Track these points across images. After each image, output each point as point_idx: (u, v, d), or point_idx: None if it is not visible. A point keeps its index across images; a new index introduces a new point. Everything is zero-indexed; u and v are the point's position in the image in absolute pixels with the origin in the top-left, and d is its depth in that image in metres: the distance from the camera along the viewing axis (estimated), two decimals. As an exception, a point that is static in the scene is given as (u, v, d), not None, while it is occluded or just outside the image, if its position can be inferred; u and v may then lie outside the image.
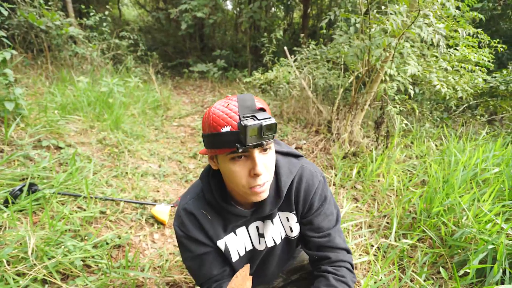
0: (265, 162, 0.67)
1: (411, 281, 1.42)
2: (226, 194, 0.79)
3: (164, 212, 1.85)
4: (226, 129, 0.61)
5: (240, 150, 0.60)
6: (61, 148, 2.25)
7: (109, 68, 4.05)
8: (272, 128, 0.61)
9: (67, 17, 3.98)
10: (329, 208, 0.83)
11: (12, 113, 2.16)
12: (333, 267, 0.80)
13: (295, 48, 4.04)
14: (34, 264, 1.24)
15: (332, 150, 2.63)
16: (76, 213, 1.63)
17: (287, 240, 0.89)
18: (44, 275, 1.23)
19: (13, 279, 1.18)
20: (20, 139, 2.07)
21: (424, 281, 1.38)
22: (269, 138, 0.62)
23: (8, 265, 1.23)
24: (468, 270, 1.30)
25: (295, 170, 0.78)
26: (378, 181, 2.18)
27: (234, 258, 0.85)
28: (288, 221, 0.85)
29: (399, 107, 2.31)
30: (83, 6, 4.12)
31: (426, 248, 1.56)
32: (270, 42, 4.45)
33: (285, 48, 3.71)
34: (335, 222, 0.84)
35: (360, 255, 1.56)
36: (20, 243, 1.33)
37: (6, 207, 1.49)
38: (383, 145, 2.41)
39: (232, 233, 0.84)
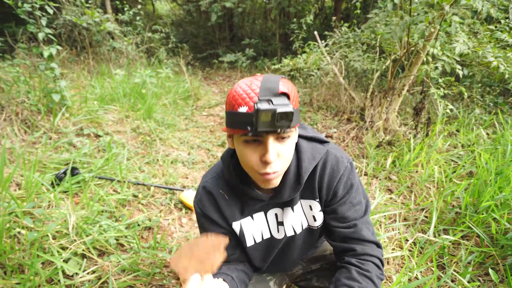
0: (280, 150, 0.62)
1: (453, 281, 1.29)
2: (246, 176, 0.76)
3: (191, 198, 1.89)
4: (243, 109, 0.57)
5: (250, 134, 0.56)
6: (99, 136, 2.41)
7: (143, 61, 4.23)
8: (287, 116, 0.54)
9: (105, 13, 4.22)
10: (356, 197, 0.76)
11: (58, 104, 2.36)
12: (358, 260, 0.74)
13: (326, 33, 3.84)
14: (74, 240, 1.35)
15: (365, 139, 2.47)
16: (112, 195, 1.74)
17: (309, 230, 0.84)
18: (83, 250, 1.34)
19: (57, 251, 1.30)
20: (65, 127, 2.26)
21: (469, 282, 1.24)
22: (283, 127, 0.55)
23: (54, 239, 1.35)
24: (523, 273, 1.13)
25: (319, 156, 0.73)
26: (416, 171, 2.00)
27: (249, 243, 0.82)
28: (311, 209, 0.79)
29: (443, 90, 2.07)
30: (118, 2, 4.34)
31: (471, 247, 1.40)
32: (300, 28, 4.28)
33: (316, 32, 3.54)
34: (363, 212, 0.77)
35: (393, 249, 1.45)
36: (64, 220, 1.46)
37: (53, 187, 1.64)
38: (423, 133, 2.19)
39: (249, 217, 0.81)
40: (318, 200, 0.77)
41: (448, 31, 2.16)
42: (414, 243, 1.47)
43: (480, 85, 2.85)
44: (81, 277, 1.27)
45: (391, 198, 1.82)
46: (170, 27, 5.37)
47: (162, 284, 1.37)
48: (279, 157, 0.62)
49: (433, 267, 1.27)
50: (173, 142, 2.70)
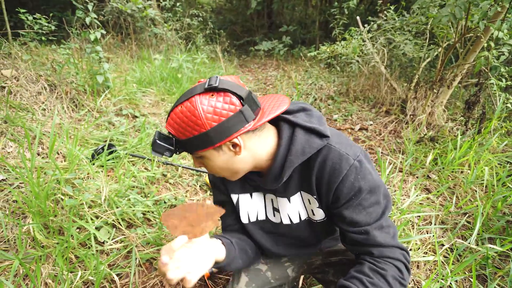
0: (204, 165, 0.70)
1: (494, 296, 1.14)
2: None
3: (216, 181, 1.92)
4: None
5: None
6: (136, 116, 2.55)
7: (182, 47, 4.35)
8: (161, 151, 0.65)
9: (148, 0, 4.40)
10: (370, 199, 0.67)
11: (102, 85, 2.54)
12: (375, 259, 0.67)
13: (369, 18, 3.55)
14: (106, 210, 1.45)
15: (404, 133, 2.27)
16: (142, 172, 1.84)
17: (309, 222, 0.81)
18: (113, 220, 1.44)
19: (91, 219, 1.41)
20: (106, 107, 2.43)
21: (514, 299, 1.08)
22: (168, 155, 0.65)
23: (89, 208, 1.47)
24: None
25: (310, 151, 0.66)
26: (462, 172, 1.78)
27: (243, 219, 0.84)
28: (310, 203, 0.76)
29: (506, 82, 1.79)
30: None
31: (522, 260, 1.21)
32: (342, 14, 4.02)
33: (358, 17, 3.29)
34: (379, 215, 0.68)
35: (426, 253, 1.32)
36: (99, 191, 1.58)
37: (91, 161, 1.78)
38: (474, 130, 1.93)
39: (248, 195, 0.82)
40: (315, 197, 0.72)
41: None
42: (451, 250, 1.32)
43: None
44: (110, 245, 1.37)
45: (428, 198, 1.65)
46: (210, 14, 5.42)
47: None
48: (207, 167, 0.70)
49: (471, 277, 1.13)
50: (203, 126, 2.76)
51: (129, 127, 2.27)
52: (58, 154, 1.87)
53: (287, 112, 0.72)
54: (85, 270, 1.23)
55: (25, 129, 1.48)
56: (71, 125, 2.17)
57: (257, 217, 0.84)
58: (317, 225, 0.80)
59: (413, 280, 1.17)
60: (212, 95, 0.59)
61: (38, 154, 1.81)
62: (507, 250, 1.25)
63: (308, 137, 0.67)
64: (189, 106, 0.59)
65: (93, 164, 1.73)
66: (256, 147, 0.67)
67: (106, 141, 2.03)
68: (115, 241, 1.39)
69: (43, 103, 2.22)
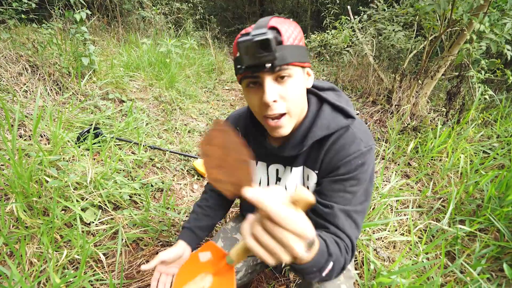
0: (281, 92, 0.59)
1: (462, 272, 1.23)
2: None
3: (204, 166, 1.94)
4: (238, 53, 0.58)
5: (241, 72, 0.57)
6: (123, 101, 2.51)
7: (171, 32, 4.25)
8: (265, 44, 0.51)
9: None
10: (353, 187, 0.67)
11: (87, 68, 2.47)
12: (329, 233, 0.67)
13: (360, 8, 3.57)
14: (92, 191, 1.45)
15: (389, 123, 2.34)
16: (129, 156, 1.83)
17: None
18: (99, 202, 1.44)
19: (76, 200, 1.41)
20: (92, 91, 2.37)
21: (479, 274, 1.17)
22: (267, 58, 0.53)
23: (74, 189, 1.47)
24: (542, 271, 1.04)
25: (335, 128, 0.68)
26: (440, 160, 1.87)
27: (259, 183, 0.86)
28: (308, 179, 0.77)
29: (485, 74, 1.86)
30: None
31: (488, 240, 1.30)
32: (333, 3, 4.01)
33: (349, 7, 3.30)
34: (351, 205, 0.67)
35: (402, 234, 1.40)
36: (84, 173, 1.57)
37: (77, 144, 1.76)
38: (454, 120, 2.02)
39: (254, 162, 0.83)
40: (317, 171, 0.73)
41: (503, 8, 1.90)
42: (425, 230, 1.40)
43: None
44: (96, 226, 1.38)
45: (407, 184, 1.73)
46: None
47: (168, 241, 1.45)
48: (281, 98, 0.60)
49: (441, 255, 1.21)
50: (192, 112, 2.75)
51: (116, 111, 2.24)
52: (42, 136, 1.83)
53: (317, 87, 0.74)
54: (71, 249, 1.24)
55: (5, 110, 1.44)
56: (55, 107, 2.12)
57: (259, 185, 0.85)
58: None
59: (388, 258, 1.24)
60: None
61: (20, 137, 1.76)
62: (474, 230, 1.34)
63: (335, 115, 0.69)
64: (290, 21, 0.62)
65: (79, 146, 1.71)
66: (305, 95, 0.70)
67: (91, 124, 2.00)
68: (101, 222, 1.40)
69: (25, 84, 2.15)
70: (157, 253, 1.39)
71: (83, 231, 1.33)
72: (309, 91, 0.73)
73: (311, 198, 0.38)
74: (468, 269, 1.16)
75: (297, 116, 0.66)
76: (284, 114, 0.62)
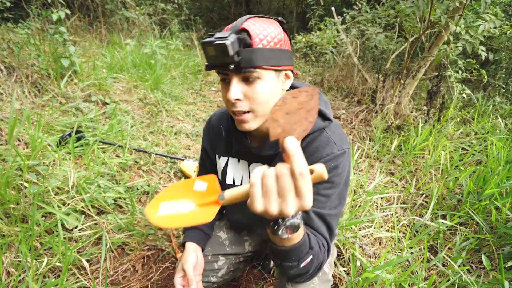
0: (247, 92, 0.61)
1: (444, 265, 1.27)
2: None
3: (192, 167, 1.92)
4: None
5: (207, 69, 0.61)
6: (107, 103, 2.45)
7: (156, 33, 4.19)
8: (222, 50, 0.53)
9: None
10: (327, 190, 0.67)
11: (67, 69, 2.39)
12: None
13: (344, 10, 3.64)
14: (74, 196, 1.40)
15: (373, 122, 2.39)
16: (113, 159, 1.78)
17: None
18: (82, 207, 1.40)
19: (58, 206, 1.36)
20: (73, 93, 2.30)
21: (459, 267, 1.21)
22: (227, 61, 0.54)
23: (55, 194, 1.41)
24: (517, 261, 1.09)
25: (311, 129, 0.69)
26: (422, 157, 1.93)
27: (229, 180, 0.87)
28: None
29: (462, 73, 1.94)
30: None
31: (468, 233, 1.35)
32: (318, 4, 4.07)
33: (333, 8, 3.36)
34: (326, 207, 0.67)
35: (387, 230, 1.43)
36: (65, 178, 1.51)
37: (57, 148, 1.69)
38: (435, 118, 2.09)
39: (236, 160, 0.84)
40: None
41: (478, 11, 1.99)
42: (409, 226, 1.44)
43: (505, 71, 2.65)
44: (79, 231, 1.34)
45: (392, 181, 1.77)
46: (185, 0, 5.23)
47: (155, 245, 1.42)
48: (246, 98, 0.62)
49: (424, 249, 1.24)
50: (178, 114, 2.71)
51: (99, 113, 2.18)
52: (19, 141, 1.75)
53: (295, 88, 0.74)
54: (52, 257, 1.20)
55: (-21, 112, 1.37)
56: (34, 110, 2.04)
57: (241, 182, 0.86)
58: None
59: (374, 254, 1.26)
60: (283, 27, 0.64)
61: (-4, 141, 1.69)
62: (455, 224, 1.39)
63: None
64: (270, 21, 0.61)
65: (60, 150, 1.65)
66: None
67: (73, 127, 1.94)
68: (84, 228, 1.35)
69: (0, 86, 2.06)
70: (143, 257, 1.36)
71: (65, 238, 1.28)
72: (289, 89, 0.74)
73: (325, 175, 0.42)
74: (450, 262, 1.20)
75: (265, 117, 0.66)
76: (248, 112, 0.63)
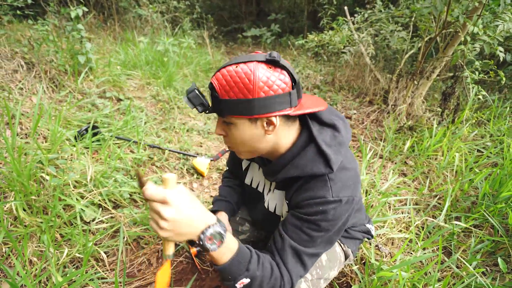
0: (227, 132, 0.68)
1: (458, 267, 1.26)
2: None
3: (204, 164, 1.94)
4: None
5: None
6: (121, 100, 2.49)
7: (168, 30, 4.23)
8: (193, 101, 0.65)
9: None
10: (312, 231, 0.66)
11: (84, 66, 2.44)
12: (274, 259, 0.68)
13: (357, 9, 3.61)
14: (92, 190, 1.44)
15: (385, 122, 2.37)
16: (128, 155, 1.82)
17: (278, 219, 0.86)
18: (99, 201, 1.44)
19: (76, 199, 1.40)
20: (89, 89, 2.35)
21: (474, 269, 1.20)
22: (201, 110, 0.65)
23: (74, 188, 1.46)
24: (535, 265, 1.08)
25: (309, 173, 0.66)
26: (435, 158, 1.91)
27: (247, 180, 0.94)
28: (282, 205, 0.81)
29: (479, 75, 1.91)
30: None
31: (483, 235, 1.34)
32: (330, 4, 4.04)
33: (346, 8, 3.34)
34: (304, 246, 0.67)
35: (399, 231, 1.43)
36: (83, 172, 1.56)
37: (75, 142, 1.74)
38: (449, 120, 2.06)
39: (257, 166, 0.89)
40: (287, 202, 0.76)
41: (495, 11, 1.95)
42: (423, 227, 1.44)
43: (522, 73, 2.60)
44: (96, 224, 1.38)
45: (404, 182, 1.76)
46: (196, -2, 5.27)
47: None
48: (227, 137, 0.70)
49: (438, 250, 1.24)
50: (190, 111, 2.74)
51: (114, 109, 2.23)
52: (39, 135, 1.81)
53: (320, 117, 0.71)
54: (71, 248, 1.23)
55: (6, 106, 1.42)
56: (52, 105, 2.09)
57: (257, 186, 0.92)
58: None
59: (390, 253, 1.26)
60: (270, 67, 0.60)
61: (17, 135, 1.74)
62: (470, 226, 1.38)
63: (316, 160, 0.65)
64: (245, 69, 0.59)
65: (78, 144, 1.69)
66: (282, 135, 0.67)
67: (89, 122, 1.99)
68: (101, 221, 1.39)
69: (20, 81, 2.12)
70: (158, 251, 1.39)
71: (84, 230, 1.32)
72: (305, 124, 0.70)
73: (166, 175, 0.53)
74: (464, 264, 1.19)
75: (254, 153, 0.71)
76: (231, 147, 0.72)
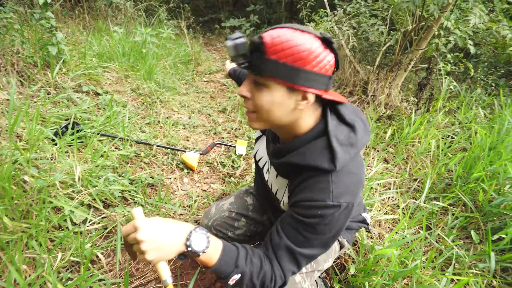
0: (254, 94, 0.63)
1: (437, 242, 1.39)
2: None
3: (194, 158, 1.92)
4: None
5: (232, 61, 0.62)
6: (99, 94, 2.36)
7: (142, 21, 4.03)
8: (234, 48, 0.57)
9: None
10: (309, 233, 0.65)
11: (55, 58, 2.27)
12: (266, 254, 0.69)
13: (336, 2, 3.68)
14: (81, 190, 1.38)
15: (366, 112, 2.49)
16: (114, 152, 1.75)
17: (278, 204, 0.85)
18: (89, 201, 1.38)
19: (64, 200, 1.33)
20: (63, 83, 2.20)
21: (452, 242, 1.34)
22: (239, 58, 0.59)
23: (61, 188, 1.38)
24: (504, 236, 1.23)
25: (311, 163, 0.63)
26: (413, 145, 2.05)
27: (254, 151, 0.97)
28: (284, 192, 0.80)
29: (451, 66, 2.07)
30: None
31: (457, 212, 1.49)
32: (308, -5, 4.07)
33: (325, 0, 3.39)
34: (300, 246, 0.66)
35: (386, 213, 1.54)
36: (68, 172, 1.48)
37: (53, 141, 1.64)
38: (424, 108, 2.22)
39: (265, 142, 0.89)
40: (289, 195, 0.75)
41: (462, 7, 2.10)
42: (406, 209, 1.56)
43: (486, 64, 2.84)
44: (88, 226, 1.33)
45: (387, 168, 1.88)
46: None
47: None
48: (251, 98, 0.64)
49: (421, 229, 1.36)
50: (173, 105, 2.67)
51: (93, 104, 2.11)
52: (11, 134, 1.67)
53: (343, 114, 0.68)
54: (64, 252, 1.18)
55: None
56: (23, 101, 1.93)
57: (259, 159, 0.93)
58: (282, 211, 0.84)
59: (379, 234, 1.36)
60: (323, 45, 0.59)
61: (-14, 134, 1.60)
62: (446, 205, 1.52)
63: (322, 153, 0.64)
64: (302, 37, 0.57)
65: (61, 142, 1.59)
66: (304, 117, 0.66)
67: (69, 119, 1.87)
68: (93, 222, 1.34)
69: (-16, 75, 1.93)
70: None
71: (76, 232, 1.27)
72: (324, 116, 0.68)
73: (133, 209, 0.58)
74: (444, 238, 1.32)
75: (272, 124, 0.66)
76: (253, 111, 0.65)
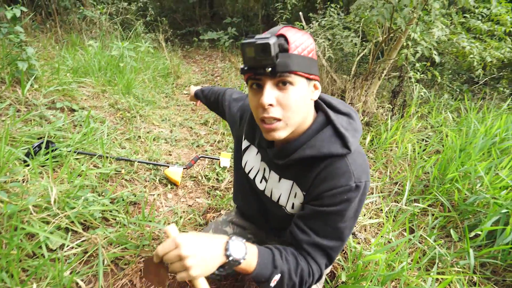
0: (280, 98, 0.60)
1: (420, 242, 1.45)
2: None
3: (177, 173, 1.88)
4: None
5: (243, 72, 0.60)
6: (74, 110, 2.27)
7: (118, 34, 3.96)
8: (265, 49, 0.53)
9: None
10: (334, 221, 0.65)
11: (26, 74, 2.17)
12: (298, 251, 0.69)
13: (310, 15, 3.83)
14: (57, 213, 1.30)
15: (345, 120, 2.58)
16: (93, 170, 1.68)
17: (282, 209, 0.81)
18: (66, 224, 1.30)
19: (39, 226, 1.25)
20: (35, 99, 2.09)
21: (434, 241, 1.40)
22: (266, 62, 0.55)
23: (34, 213, 1.29)
24: (479, 232, 1.30)
25: (325, 153, 0.64)
26: (391, 150, 2.14)
27: (243, 163, 0.92)
28: (295, 197, 0.75)
29: (420, 74, 2.21)
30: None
31: (436, 213, 1.56)
32: (284, 9, 4.22)
33: (300, 13, 3.52)
34: (328, 237, 0.66)
35: (370, 217, 1.58)
36: (42, 195, 1.39)
37: (25, 162, 1.54)
38: (399, 114, 2.34)
39: (256, 150, 0.85)
40: (304, 193, 0.72)
41: (425, 20, 2.27)
42: (387, 212, 1.61)
43: (450, 71, 3.07)
44: (65, 251, 1.25)
45: (368, 173, 1.95)
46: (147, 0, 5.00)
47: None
48: (279, 104, 0.60)
49: (404, 231, 1.41)
50: (154, 119, 2.62)
51: (68, 121, 2.02)
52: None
53: (336, 107, 0.72)
54: (40, 281, 1.10)
55: None
56: (-10, 121, 1.81)
57: (249, 171, 0.88)
58: (287, 215, 0.81)
59: (365, 239, 1.39)
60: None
61: None
62: (426, 206, 1.59)
63: (332, 140, 0.65)
64: (306, 33, 0.63)
65: (27, 165, 1.50)
66: (310, 110, 0.69)
67: (42, 137, 1.77)
68: (71, 247, 1.26)
69: None
70: (140, 270, 1.31)
71: (52, 259, 1.18)
72: (321, 109, 0.71)
73: (167, 227, 0.58)
74: (426, 239, 1.38)
75: (294, 126, 0.64)
76: (279, 120, 0.62)
